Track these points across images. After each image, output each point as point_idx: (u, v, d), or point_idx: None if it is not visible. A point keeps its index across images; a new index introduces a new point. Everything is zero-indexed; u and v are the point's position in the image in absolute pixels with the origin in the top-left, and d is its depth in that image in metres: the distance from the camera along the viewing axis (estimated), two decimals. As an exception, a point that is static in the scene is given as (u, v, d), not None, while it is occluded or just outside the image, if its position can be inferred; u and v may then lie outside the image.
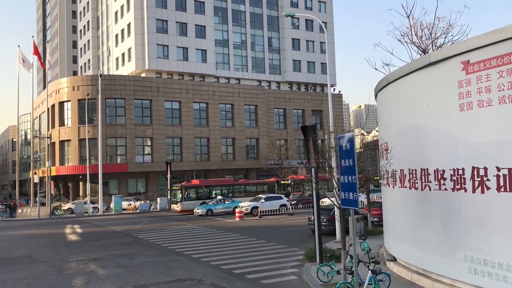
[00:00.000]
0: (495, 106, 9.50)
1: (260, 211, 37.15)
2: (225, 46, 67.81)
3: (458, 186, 10.56)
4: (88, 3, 79.53)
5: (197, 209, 40.27)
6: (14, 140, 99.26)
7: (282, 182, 49.85)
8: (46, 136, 52.98)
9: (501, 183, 9.38)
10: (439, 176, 11.23)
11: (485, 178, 9.78)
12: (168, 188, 49.03)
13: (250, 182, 50.23)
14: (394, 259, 14.58)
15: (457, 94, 10.46)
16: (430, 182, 11.62)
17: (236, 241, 22.85)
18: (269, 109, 65.58)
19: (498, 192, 9.45)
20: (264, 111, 64.56)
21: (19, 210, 50.20)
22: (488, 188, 9.72)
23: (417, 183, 12.30)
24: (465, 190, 10.33)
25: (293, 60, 72.17)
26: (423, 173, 11.98)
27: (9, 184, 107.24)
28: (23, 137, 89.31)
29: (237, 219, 34.69)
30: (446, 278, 11.26)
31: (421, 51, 20.96)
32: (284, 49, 71.47)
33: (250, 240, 23.10)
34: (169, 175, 49.45)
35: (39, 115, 67.54)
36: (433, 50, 19.79)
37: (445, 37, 20.79)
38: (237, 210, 36.31)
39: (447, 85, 10.86)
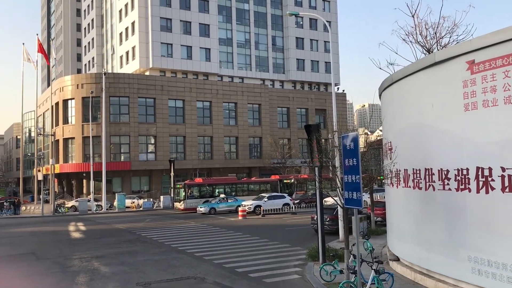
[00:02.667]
0: (501, 106, 9.46)
1: (263, 210, 37.14)
2: (229, 45, 67.80)
3: (462, 186, 10.52)
4: (92, 1, 79.63)
5: (200, 207, 40.31)
6: (18, 137, 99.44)
7: (285, 181, 49.81)
8: (50, 133, 53.17)
9: (506, 184, 9.33)
10: (443, 176, 11.20)
11: (489, 179, 9.73)
12: (172, 186, 49.15)
13: (253, 181, 50.18)
14: (397, 259, 14.56)
15: (462, 94, 10.43)
16: (434, 182, 11.58)
17: (239, 240, 22.86)
18: (272, 108, 65.52)
19: (503, 193, 9.41)
20: (267, 110, 64.52)
21: (23, 207, 50.34)
22: (492, 189, 9.68)
23: (421, 183, 12.26)
24: (469, 190, 10.29)
25: (297, 59, 72.07)
26: (427, 173, 11.94)
27: (13, 181, 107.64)
28: (27, 134, 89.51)
29: (240, 217, 34.69)
30: (449, 278, 11.23)
31: (425, 50, 20.88)
32: (288, 48, 71.38)
33: (252, 238, 23.10)
34: (172, 173, 49.52)
35: (43, 113, 67.72)
36: (438, 50, 19.74)
37: (450, 37, 20.71)
38: (240, 208, 36.32)
39: (451, 85, 10.82)
